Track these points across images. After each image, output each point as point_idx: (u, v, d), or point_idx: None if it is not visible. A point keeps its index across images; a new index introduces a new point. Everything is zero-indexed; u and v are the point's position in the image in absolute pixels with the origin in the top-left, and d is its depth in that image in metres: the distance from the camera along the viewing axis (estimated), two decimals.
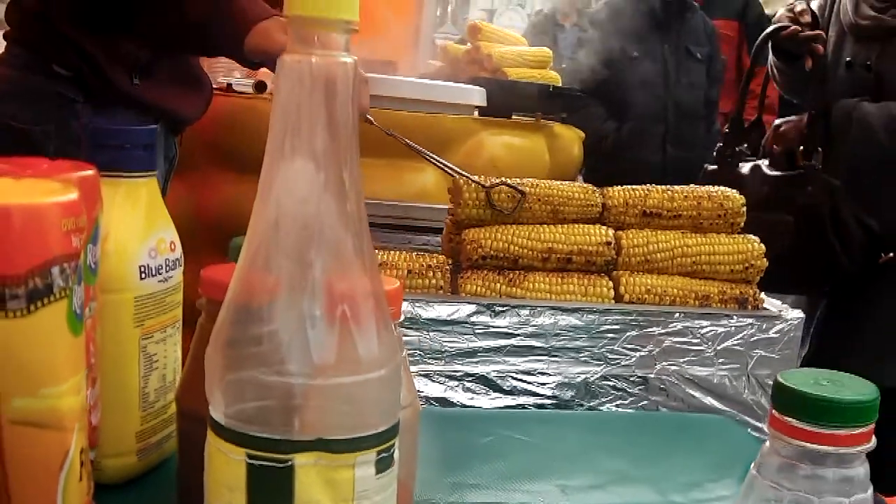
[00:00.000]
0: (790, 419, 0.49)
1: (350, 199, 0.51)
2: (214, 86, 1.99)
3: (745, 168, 2.42)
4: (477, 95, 2.56)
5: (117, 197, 0.75)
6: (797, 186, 2.39)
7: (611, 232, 1.65)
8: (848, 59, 2.30)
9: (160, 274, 0.78)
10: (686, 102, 3.35)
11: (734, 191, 1.74)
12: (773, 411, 0.50)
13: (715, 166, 2.36)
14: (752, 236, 1.71)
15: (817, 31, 2.32)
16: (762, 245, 1.70)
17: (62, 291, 0.51)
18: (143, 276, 0.76)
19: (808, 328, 2.65)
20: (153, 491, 0.78)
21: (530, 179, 1.65)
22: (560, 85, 2.91)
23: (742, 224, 1.73)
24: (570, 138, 2.87)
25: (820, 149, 2.40)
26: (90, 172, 0.65)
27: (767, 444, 0.51)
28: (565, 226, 1.63)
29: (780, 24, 2.36)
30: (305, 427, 0.49)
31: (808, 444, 0.48)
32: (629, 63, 3.29)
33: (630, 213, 1.69)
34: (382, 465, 0.52)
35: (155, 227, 0.78)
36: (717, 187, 1.73)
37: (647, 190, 1.69)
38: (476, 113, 2.58)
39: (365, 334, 0.50)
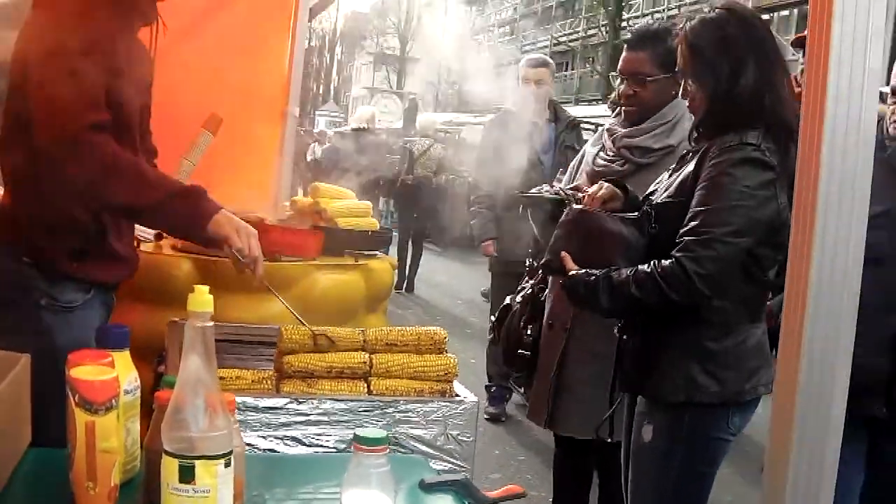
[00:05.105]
0: (358, 444, 1.19)
1: (212, 367, 1.13)
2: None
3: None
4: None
5: (115, 361, 1.36)
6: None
7: (367, 355, 2.10)
8: None
9: (131, 392, 1.38)
10: None
11: (440, 328, 2.22)
12: (355, 443, 1.19)
13: None
14: (450, 355, 2.19)
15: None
16: (455, 361, 2.17)
17: (115, 405, 1.19)
18: (126, 394, 1.36)
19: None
20: (129, 488, 1.34)
21: (325, 327, 2.14)
22: (376, 228, 3.11)
23: (445, 349, 2.20)
24: (383, 269, 3.07)
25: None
26: (109, 359, 1.32)
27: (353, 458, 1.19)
28: (340, 352, 2.08)
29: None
30: (199, 451, 1.11)
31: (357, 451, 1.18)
32: None
33: (379, 344, 2.14)
34: (227, 464, 1.13)
35: (129, 372, 1.38)
36: (430, 327, 2.23)
37: (389, 329, 2.20)
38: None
39: (217, 418, 1.13)
